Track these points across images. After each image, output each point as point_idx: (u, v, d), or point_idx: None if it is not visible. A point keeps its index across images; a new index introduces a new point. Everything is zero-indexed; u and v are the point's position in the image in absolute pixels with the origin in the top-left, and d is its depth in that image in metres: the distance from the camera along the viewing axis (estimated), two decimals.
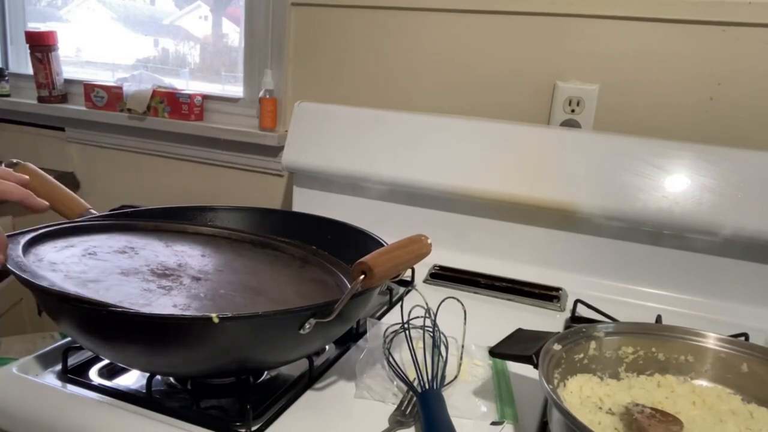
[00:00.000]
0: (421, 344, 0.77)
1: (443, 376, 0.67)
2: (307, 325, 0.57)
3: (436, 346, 0.69)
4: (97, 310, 0.57)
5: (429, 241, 0.68)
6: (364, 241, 0.78)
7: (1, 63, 1.73)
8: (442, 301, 0.76)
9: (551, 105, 1.12)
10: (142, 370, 0.64)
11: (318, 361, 0.71)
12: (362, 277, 0.58)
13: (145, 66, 1.63)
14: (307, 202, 1.23)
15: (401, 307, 0.79)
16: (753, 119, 1.02)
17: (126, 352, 0.60)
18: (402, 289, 0.97)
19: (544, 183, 1.03)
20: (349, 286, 0.59)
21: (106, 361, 0.69)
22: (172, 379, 0.68)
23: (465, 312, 0.77)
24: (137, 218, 0.84)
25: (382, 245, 0.73)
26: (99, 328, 0.58)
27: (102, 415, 0.61)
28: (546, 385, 0.54)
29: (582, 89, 1.09)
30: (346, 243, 0.82)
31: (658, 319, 0.84)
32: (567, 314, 0.92)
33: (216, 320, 0.53)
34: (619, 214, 0.99)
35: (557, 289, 1.00)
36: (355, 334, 0.79)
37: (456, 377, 0.71)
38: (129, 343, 0.58)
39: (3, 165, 0.76)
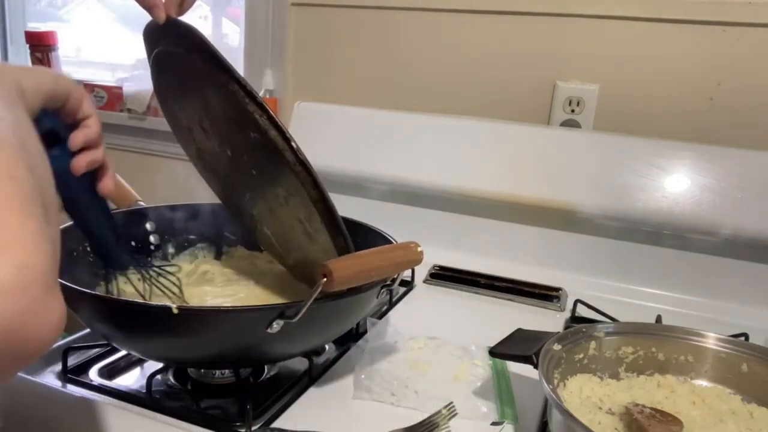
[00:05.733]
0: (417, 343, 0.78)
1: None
2: (275, 325, 0.56)
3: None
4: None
5: (420, 249, 0.66)
6: (374, 238, 0.77)
7: None
8: None
9: (551, 105, 1.12)
10: (127, 350, 0.67)
11: (318, 361, 0.71)
12: (324, 279, 0.56)
13: (145, 66, 1.62)
14: None
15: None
16: (753, 119, 1.02)
17: (108, 335, 0.63)
18: (402, 289, 0.97)
19: (544, 183, 1.03)
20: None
21: (106, 361, 0.70)
22: (172, 379, 0.68)
23: None
24: None
25: (390, 242, 0.73)
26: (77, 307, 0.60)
27: (102, 415, 0.61)
28: (546, 385, 0.54)
29: (582, 89, 1.09)
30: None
31: (658, 319, 0.84)
32: (567, 314, 0.92)
33: (175, 311, 0.53)
34: (619, 214, 0.99)
35: (557, 289, 1.00)
36: (355, 334, 0.79)
37: None
38: (106, 325, 0.61)
39: None
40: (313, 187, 0.61)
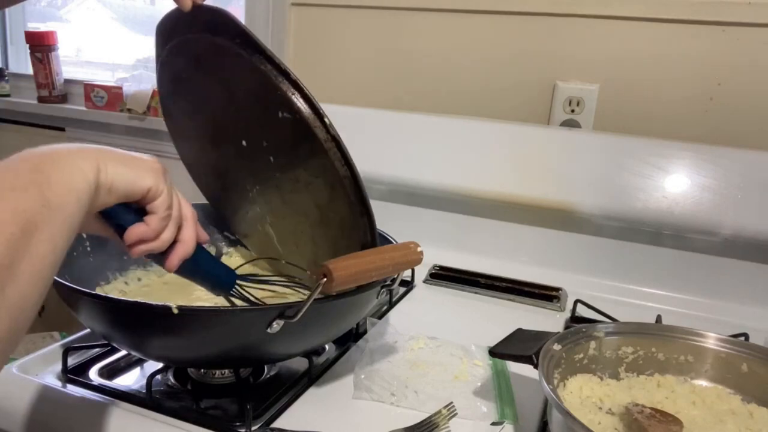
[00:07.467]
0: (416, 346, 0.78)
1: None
2: (275, 325, 0.56)
3: None
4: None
5: (419, 249, 0.66)
6: None
7: (1, 63, 1.73)
8: None
9: (551, 105, 1.12)
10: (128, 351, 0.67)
11: (318, 361, 0.71)
12: (324, 280, 0.56)
13: (145, 66, 1.62)
14: None
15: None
16: (753, 119, 1.02)
17: (108, 335, 0.63)
18: (402, 289, 0.97)
19: (544, 183, 1.03)
20: None
21: (106, 361, 0.70)
22: (172, 379, 0.68)
23: None
24: None
25: (390, 242, 0.73)
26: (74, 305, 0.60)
27: (102, 415, 0.61)
28: (546, 385, 0.54)
29: (582, 89, 1.09)
30: None
31: (658, 319, 0.84)
32: (567, 314, 0.92)
33: (175, 311, 0.54)
34: (619, 214, 0.99)
35: (557, 289, 1.00)
36: (355, 334, 0.79)
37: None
38: (106, 325, 0.61)
39: None
40: (342, 164, 0.60)
